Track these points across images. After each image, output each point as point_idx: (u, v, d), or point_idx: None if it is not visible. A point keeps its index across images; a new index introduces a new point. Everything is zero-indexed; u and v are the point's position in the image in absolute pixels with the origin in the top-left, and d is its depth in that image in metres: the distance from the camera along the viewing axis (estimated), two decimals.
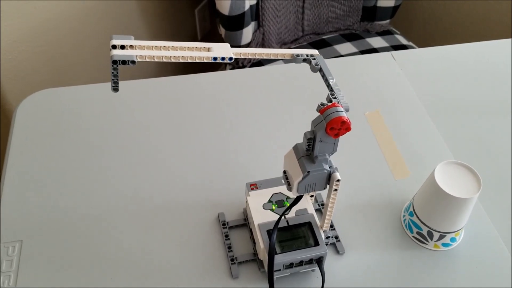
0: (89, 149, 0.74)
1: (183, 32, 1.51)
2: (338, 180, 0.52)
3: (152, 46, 0.49)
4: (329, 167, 0.52)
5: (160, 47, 0.49)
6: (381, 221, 0.67)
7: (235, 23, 1.23)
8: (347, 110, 0.50)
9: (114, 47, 0.47)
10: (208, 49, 0.51)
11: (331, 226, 0.66)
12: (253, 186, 0.63)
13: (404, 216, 0.67)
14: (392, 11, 1.44)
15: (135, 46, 0.48)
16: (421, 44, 1.50)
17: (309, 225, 0.60)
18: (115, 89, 0.48)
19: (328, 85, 0.53)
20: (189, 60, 0.49)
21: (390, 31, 1.45)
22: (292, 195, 0.54)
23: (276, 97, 0.83)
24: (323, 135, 0.49)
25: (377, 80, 0.86)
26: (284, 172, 0.55)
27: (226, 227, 0.65)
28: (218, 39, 1.29)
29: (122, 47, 0.47)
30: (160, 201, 0.68)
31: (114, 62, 0.45)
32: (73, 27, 1.09)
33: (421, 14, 1.72)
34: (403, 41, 1.42)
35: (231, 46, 1.33)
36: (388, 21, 1.45)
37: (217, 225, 0.66)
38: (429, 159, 0.74)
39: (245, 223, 0.66)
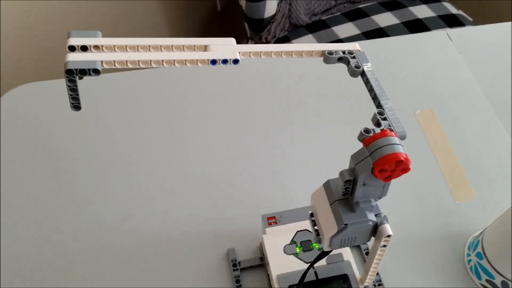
0: (67, 166, 0.60)
1: (201, 4, 1.35)
2: (388, 236, 0.37)
3: (126, 46, 0.34)
4: (375, 216, 0.37)
5: (137, 46, 0.34)
6: (438, 260, 0.51)
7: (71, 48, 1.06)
8: (402, 138, 0.34)
9: (71, 48, 0.33)
10: (205, 48, 0.36)
11: None
12: (271, 220, 0.48)
13: (469, 255, 0.51)
14: None
15: (102, 46, 0.34)
16: (474, 14, 1.29)
17: (344, 279, 0.45)
18: (76, 106, 0.34)
19: (375, 98, 0.37)
20: (177, 65, 0.34)
21: None
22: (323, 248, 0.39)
23: (306, 96, 0.67)
24: (368, 177, 0.33)
25: (429, 68, 0.68)
26: (311, 215, 0.40)
27: (237, 269, 0.51)
28: (239, 13, 1.13)
29: (84, 48, 0.33)
30: (154, 233, 0.54)
31: (69, 72, 0.31)
32: (63, 18, 0.95)
33: None
34: (452, 9, 1.22)
35: (253, 20, 1.17)
36: None
37: (226, 264, 0.52)
38: (500, 176, 0.58)
39: (261, 263, 0.51)
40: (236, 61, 0.35)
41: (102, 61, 0.32)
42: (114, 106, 0.66)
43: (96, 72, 0.32)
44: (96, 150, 0.61)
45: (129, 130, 0.63)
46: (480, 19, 1.28)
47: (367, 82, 0.38)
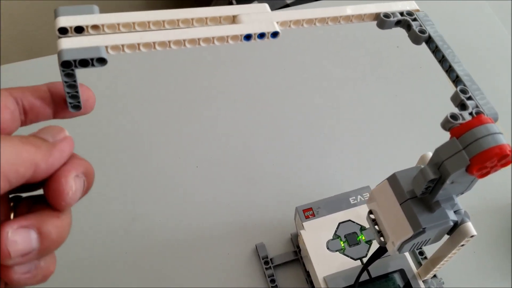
0: None
1: None
2: (472, 236, 0.31)
3: (134, 23, 0.26)
4: (455, 213, 0.31)
5: (148, 22, 0.26)
6: (505, 261, 0.46)
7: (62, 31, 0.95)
8: (495, 120, 0.28)
9: (63, 31, 0.25)
10: (234, 19, 0.28)
11: None
12: (308, 213, 0.42)
13: None
14: None
15: (103, 25, 0.25)
16: None
17: (402, 274, 0.39)
18: (76, 106, 0.26)
19: (450, 71, 0.30)
20: (203, 44, 0.26)
21: None
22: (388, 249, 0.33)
23: (343, 78, 0.59)
24: (460, 175, 0.27)
25: (472, 48, 0.60)
26: (370, 212, 0.34)
27: (270, 267, 0.45)
28: None
29: (79, 30, 0.25)
30: (172, 229, 0.47)
31: (66, 64, 0.23)
32: None
33: None
34: None
35: None
36: None
37: (256, 262, 0.46)
38: None
39: (296, 257, 0.45)
40: (275, 34, 0.27)
41: (106, 47, 0.25)
42: (116, 90, 0.57)
43: (102, 61, 0.24)
44: (103, 143, 0.53)
45: (139, 115, 0.55)
46: None
47: (436, 50, 0.31)
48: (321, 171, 0.51)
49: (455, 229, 0.32)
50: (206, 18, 0.27)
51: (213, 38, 0.26)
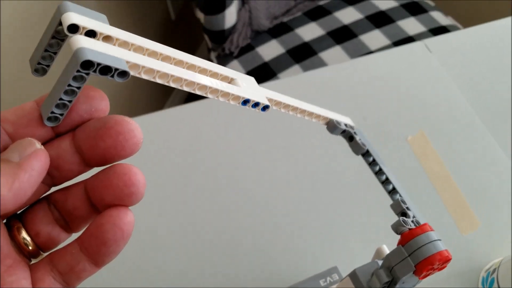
0: None
1: (154, 13, 1.28)
2: None
3: (147, 50, 0.23)
4: None
5: (159, 54, 0.24)
6: None
7: (215, 5, 1.01)
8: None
9: (72, 29, 0.20)
10: (230, 81, 0.28)
11: None
12: None
13: None
14: None
15: (116, 39, 0.22)
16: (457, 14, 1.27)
17: None
18: (55, 118, 0.21)
19: (386, 182, 0.34)
20: (210, 95, 0.25)
21: None
22: None
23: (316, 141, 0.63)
24: (408, 277, 0.31)
25: (412, 86, 0.66)
26: None
27: None
28: (196, 20, 1.07)
29: (91, 34, 0.21)
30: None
31: (86, 65, 0.19)
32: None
33: None
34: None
35: (213, 32, 1.11)
36: None
37: None
38: (504, 199, 0.56)
39: None
40: (265, 108, 0.28)
41: (127, 62, 0.21)
42: None
43: (123, 75, 0.21)
44: None
45: None
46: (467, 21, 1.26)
47: (373, 163, 0.34)
48: (290, 252, 0.54)
49: None
50: (210, 70, 0.27)
51: (220, 92, 0.26)
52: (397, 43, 1.08)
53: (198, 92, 0.25)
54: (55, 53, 0.22)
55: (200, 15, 1.04)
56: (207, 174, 0.58)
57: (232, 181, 0.58)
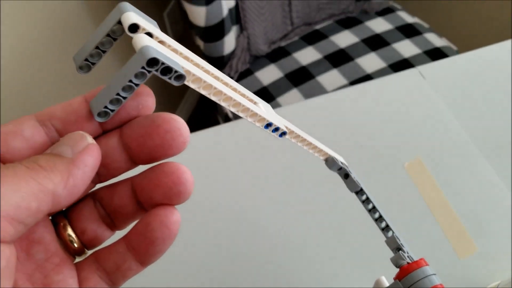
0: None
1: None
2: None
3: (192, 60, 0.24)
4: None
5: (201, 67, 0.25)
6: None
7: (214, 33, 1.03)
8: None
9: (133, 29, 0.21)
10: (254, 103, 0.28)
11: None
12: None
13: None
14: None
15: (169, 46, 0.22)
16: (427, 18, 1.30)
17: None
18: (106, 113, 0.21)
19: (380, 221, 0.35)
20: (241, 114, 0.25)
21: (391, 8, 1.25)
22: None
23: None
24: None
25: (408, 113, 0.67)
26: None
27: None
28: (194, 45, 1.09)
29: (148, 36, 0.21)
30: None
31: (152, 63, 0.20)
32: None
33: None
34: (408, 18, 1.23)
35: (213, 58, 1.13)
36: None
37: None
38: (500, 224, 0.58)
39: None
40: (283, 134, 0.28)
41: (183, 67, 0.21)
42: None
43: (179, 79, 0.21)
44: None
45: None
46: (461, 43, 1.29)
47: (366, 201, 0.36)
48: (288, 280, 0.55)
49: None
50: (239, 91, 0.27)
51: (250, 112, 0.26)
52: (393, 66, 1.10)
53: (232, 109, 0.25)
54: (104, 52, 0.22)
55: (200, 43, 1.07)
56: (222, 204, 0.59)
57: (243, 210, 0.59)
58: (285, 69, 1.14)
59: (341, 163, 0.37)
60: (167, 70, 0.20)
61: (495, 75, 0.71)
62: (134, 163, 0.23)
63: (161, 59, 0.20)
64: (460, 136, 0.65)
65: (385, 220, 0.34)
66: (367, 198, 0.35)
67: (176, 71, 0.20)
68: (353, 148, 0.64)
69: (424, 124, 0.66)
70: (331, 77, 1.10)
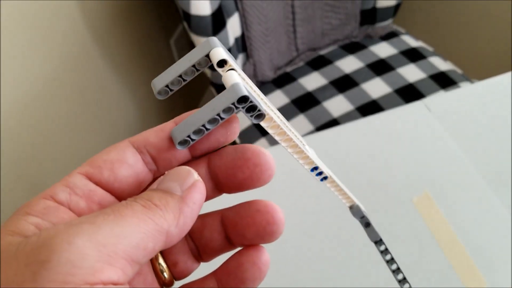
0: None
1: (159, 63, 1.32)
2: None
3: (262, 99, 0.25)
4: None
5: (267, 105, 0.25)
6: None
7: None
8: None
9: (221, 64, 0.22)
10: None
11: None
12: None
13: None
14: (394, 10, 1.25)
15: (246, 80, 0.24)
16: (431, 41, 1.32)
17: None
18: (185, 142, 0.22)
19: (397, 272, 0.36)
20: (295, 155, 0.26)
21: (395, 33, 1.27)
22: None
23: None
24: None
25: (414, 146, 0.68)
26: None
27: None
28: (202, 73, 1.11)
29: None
30: None
31: (242, 100, 0.21)
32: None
33: (424, 7, 1.53)
34: (411, 42, 1.24)
35: (221, 86, 1.15)
36: (390, 20, 1.27)
37: None
38: (508, 258, 0.58)
39: None
40: (325, 179, 0.28)
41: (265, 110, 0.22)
42: None
43: (259, 117, 0.21)
44: None
45: None
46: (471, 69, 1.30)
47: (385, 251, 0.37)
48: None
49: None
50: (292, 131, 0.26)
51: (303, 154, 0.26)
52: (398, 91, 1.11)
53: (289, 150, 0.25)
54: (184, 80, 0.22)
55: (208, 72, 1.08)
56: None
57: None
58: (291, 95, 1.15)
59: (364, 211, 0.38)
60: (252, 108, 0.21)
61: (501, 107, 0.72)
62: (220, 192, 0.23)
63: (251, 97, 0.20)
64: (466, 169, 0.66)
65: (402, 272, 0.35)
66: (386, 249, 0.36)
67: (259, 110, 0.21)
68: (362, 183, 0.64)
69: (431, 157, 0.67)
70: (337, 103, 1.11)
